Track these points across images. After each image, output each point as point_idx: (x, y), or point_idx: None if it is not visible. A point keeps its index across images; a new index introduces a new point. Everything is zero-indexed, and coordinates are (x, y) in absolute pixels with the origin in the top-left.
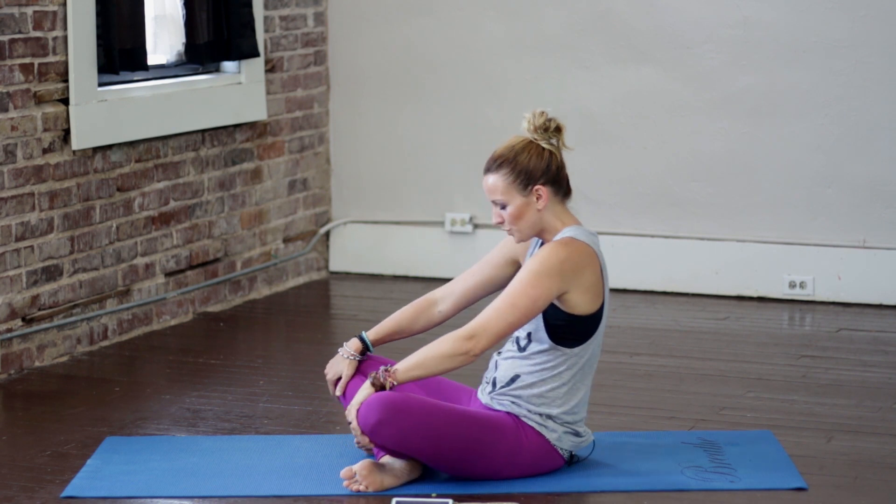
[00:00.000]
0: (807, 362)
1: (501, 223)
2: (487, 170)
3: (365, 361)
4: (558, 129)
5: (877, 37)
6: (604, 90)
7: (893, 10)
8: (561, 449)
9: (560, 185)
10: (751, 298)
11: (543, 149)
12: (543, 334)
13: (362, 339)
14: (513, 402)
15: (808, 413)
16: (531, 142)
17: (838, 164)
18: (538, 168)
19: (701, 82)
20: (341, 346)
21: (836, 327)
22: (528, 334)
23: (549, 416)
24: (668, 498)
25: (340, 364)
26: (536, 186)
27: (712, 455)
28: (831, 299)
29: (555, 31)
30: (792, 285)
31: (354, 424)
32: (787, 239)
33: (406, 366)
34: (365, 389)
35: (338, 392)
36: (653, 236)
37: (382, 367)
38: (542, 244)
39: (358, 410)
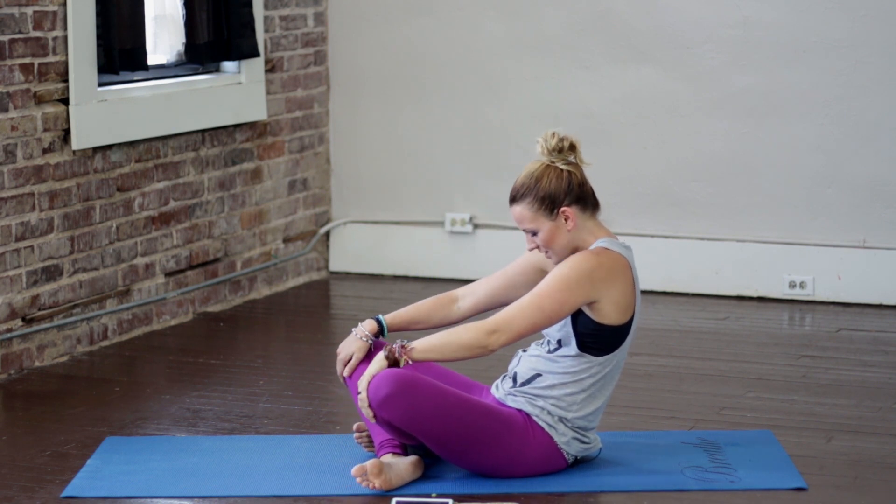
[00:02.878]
0: (807, 362)
1: (536, 248)
2: (512, 201)
3: (376, 345)
4: (573, 147)
5: (877, 37)
6: (604, 90)
7: (893, 10)
8: (567, 453)
9: (586, 201)
10: (751, 298)
11: (562, 170)
12: (573, 341)
13: (379, 322)
14: (529, 401)
15: (808, 413)
16: (549, 165)
17: (838, 164)
18: (560, 190)
19: (701, 82)
20: (356, 325)
21: (836, 327)
22: (559, 341)
23: (562, 419)
24: (668, 498)
25: (353, 345)
26: (562, 209)
27: (712, 455)
28: (831, 299)
29: (555, 31)
30: (792, 285)
31: (363, 395)
32: (787, 239)
33: (423, 346)
34: (378, 362)
35: (346, 373)
36: (653, 236)
37: (399, 343)
38: None
39: (369, 383)
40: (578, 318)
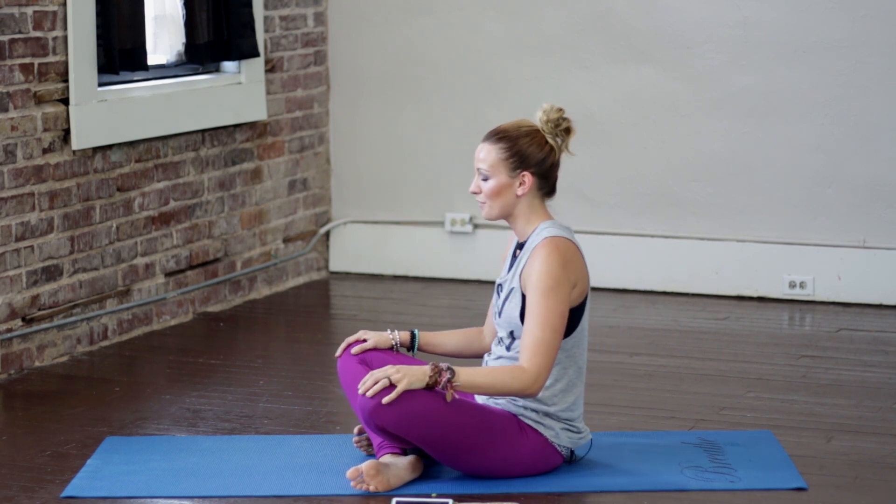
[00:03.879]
0: (807, 362)
1: (477, 193)
2: (486, 137)
3: (379, 352)
4: (567, 131)
5: (877, 37)
6: (604, 90)
7: (893, 10)
8: (559, 446)
9: (547, 181)
10: (751, 298)
11: (546, 142)
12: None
13: (413, 336)
14: (510, 402)
15: (808, 413)
16: (538, 130)
17: (838, 164)
18: (534, 156)
19: (701, 82)
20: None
21: (836, 327)
22: (511, 332)
23: (548, 414)
24: (668, 498)
25: (378, 335)
26: (525, 172)
27: (712, 455)
28: (831, 299)
29: (555, 31)
30: (792, 285)
31: (368, 384)
32: (787, 239)
33: (469, 383)
34: (420, 381)
35: (353, 350)
36: (653, 236)
37: (447, 376)
38: (518, 244)
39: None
40: (522, 309)
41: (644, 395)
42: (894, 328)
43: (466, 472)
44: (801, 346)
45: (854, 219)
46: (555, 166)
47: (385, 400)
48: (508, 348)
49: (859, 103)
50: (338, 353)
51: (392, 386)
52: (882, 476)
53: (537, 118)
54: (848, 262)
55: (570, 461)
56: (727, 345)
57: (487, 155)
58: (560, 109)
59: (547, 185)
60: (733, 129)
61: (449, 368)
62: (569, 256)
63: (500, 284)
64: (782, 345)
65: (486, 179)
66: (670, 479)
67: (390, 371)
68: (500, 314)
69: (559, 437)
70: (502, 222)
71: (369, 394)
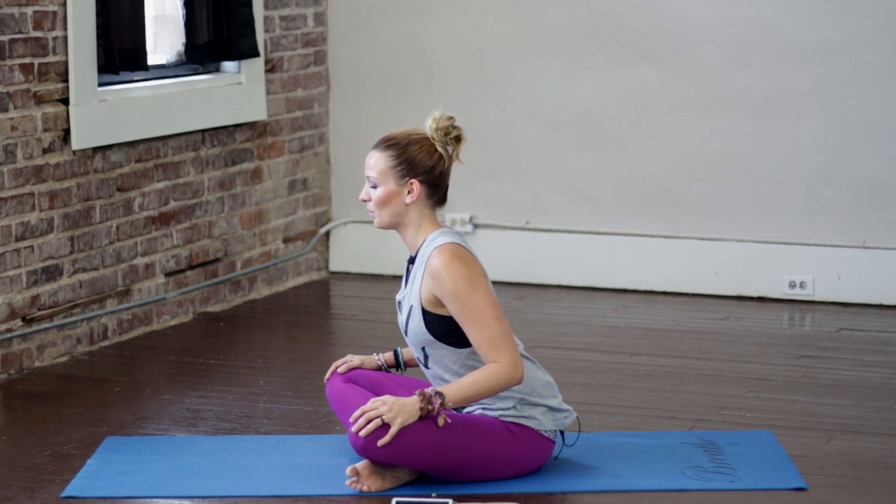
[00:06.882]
0: (807, 362)
1: (367, 201)
2: (376, 146)
3: (395, 378)
4: (458, 139)
5: (877, 37)
6: (604, 90)
7: (893, 10)
8: (547, 432)
9: (437, 190)
10: (751, 298)
11: (436, 150)
12: (437, 344)
13: (396, 354)
14: (483, 412)
15: (808, 413)
16: (428, 138)
17: (838, 164)
18: (423, 164)
19: (701, 82)
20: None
21: (836, 327)
22: (423, 349)
23: (523, 402)
24: (668, 498)
25: (365, 357)
26: (413, 180)
27: (712, 455)
28: (831, 299)
29: (555, 31)
30: (792, 285)
31: (361, 423)
32: (787, 239)
33: (458, 398)
34: (413, 416)
35: (340, 369)
36: (653, 236)
37: (438, 401)
38: (410, 258)
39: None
40: (430, 323)
41: (644, 395)
42: (894, 328)
43: (468, 482)
44: (801, 346)
45: (854, 219)
46: (444, 175)
47: (380, 442)
48: (427, 366)
49: (859, 103)
50: (326, 376)
51: (385, 425)
52: (882, 476)
53: (427, 126)
54: (848, 262)
55: (563, 445)
56: (727, 345)
57: (376, 163)
58: (450, 117)
59: (437, 193)
60: (733, 129)
61: (437, 393)
62: (465, 256)
63: (399, 301)
64: (782, 345)
65: (375, 187)
66: (670, 480)
67: (382, 410)
68: (406, 332)
69: (543, 423)
70: (502, 222)
71: (362, 434)
